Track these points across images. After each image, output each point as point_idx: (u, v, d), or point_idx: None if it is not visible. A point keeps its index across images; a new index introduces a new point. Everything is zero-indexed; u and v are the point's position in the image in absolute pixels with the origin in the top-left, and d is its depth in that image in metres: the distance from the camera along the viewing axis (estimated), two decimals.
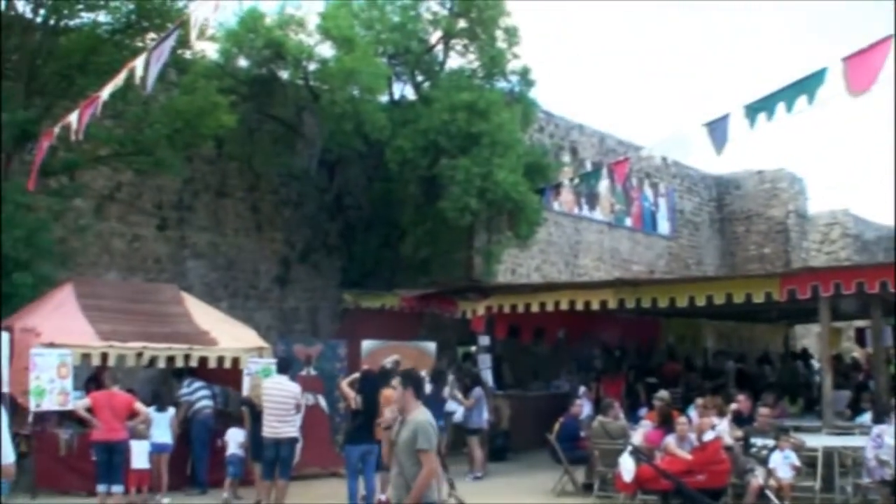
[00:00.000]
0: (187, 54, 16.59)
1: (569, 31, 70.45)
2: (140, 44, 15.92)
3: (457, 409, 16.81)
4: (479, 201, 18.71)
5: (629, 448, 12.83)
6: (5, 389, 13.03)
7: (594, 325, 20.78)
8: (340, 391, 13.98)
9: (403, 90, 21.68)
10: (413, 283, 20.75)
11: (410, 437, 7.03)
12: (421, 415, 7.16)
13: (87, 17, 16.07)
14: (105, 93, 10.05)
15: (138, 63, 9.06)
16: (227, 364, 14.55)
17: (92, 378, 14.71)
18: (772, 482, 12.31)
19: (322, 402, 15.73)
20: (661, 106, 68.78)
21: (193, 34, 8.37)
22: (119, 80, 9.73)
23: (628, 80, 68.72)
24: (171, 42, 8.87)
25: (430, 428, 7.00)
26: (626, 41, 71.01)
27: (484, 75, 21.26)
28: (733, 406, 14.49)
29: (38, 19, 15.87)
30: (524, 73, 21.68)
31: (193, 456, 14.28)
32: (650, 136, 61.86)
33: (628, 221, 29.93)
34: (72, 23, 16.07)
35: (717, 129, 12.07)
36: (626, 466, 12.59)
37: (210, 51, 18.40)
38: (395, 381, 9.76)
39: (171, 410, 13.73)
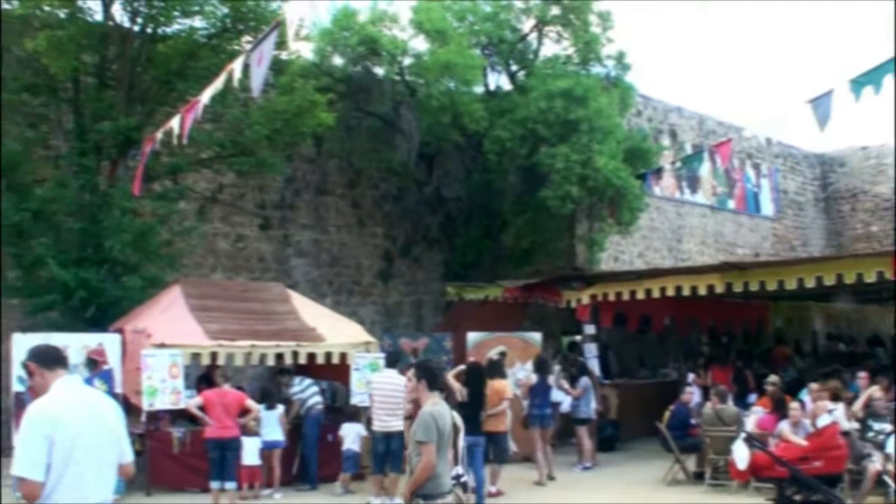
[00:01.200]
0: (283, 55, 16.72)
1: (662, 13, 69.40)
2: (236, 47, 16.16)
3: (564, 400, 16.66)
4: (580, 189, 18.50)
5: (743, 435, 12.52)
6: (119, 390, 13.35)
7: (700, 311, 20.38)
8: (446, 384, 13.97)
9: (499, 80, 21.60)
10: (515, 273, 20.65)
11: (414, 428, 7.02)
12: (428, 406, 7.11)
13: (183, 23, 16.32)
14: (205, 97, 10.17)
15: (236, 66, 9.14)
16: (335, 360, 14.61)
17: (203, 377, 14.99)
18: (889, 467, 11.89)
19: None
20: (761, 85, 67.24)
21: (290, 34, 8.38)
22: (219, 83, 9.83)
23: (726, 60, 67.33)
24: (270, 44, 8.90)
25: (429, 420, 6.93)
26: (721, 19, 69.60)
27: (579, 61, 21.03)
28: (873, 389, 13.78)
29: (136, 28, 16.16)
30: (620, 58, 21.39)
31: (304, 452, 14.40)
32: (750, 117, 60.44)
33: (731, 204, 29.36)
34: (169, 30, 16.34)
35: (821, 106, 11.73)
36: (741, 454, 12.28)
37: (305, 51, 18.58)
38: (410, 373, 9.74)
39: (280, 408, 13.86)
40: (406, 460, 7.43)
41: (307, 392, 14.57)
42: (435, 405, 7.12)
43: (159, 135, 12.65)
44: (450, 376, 13.32)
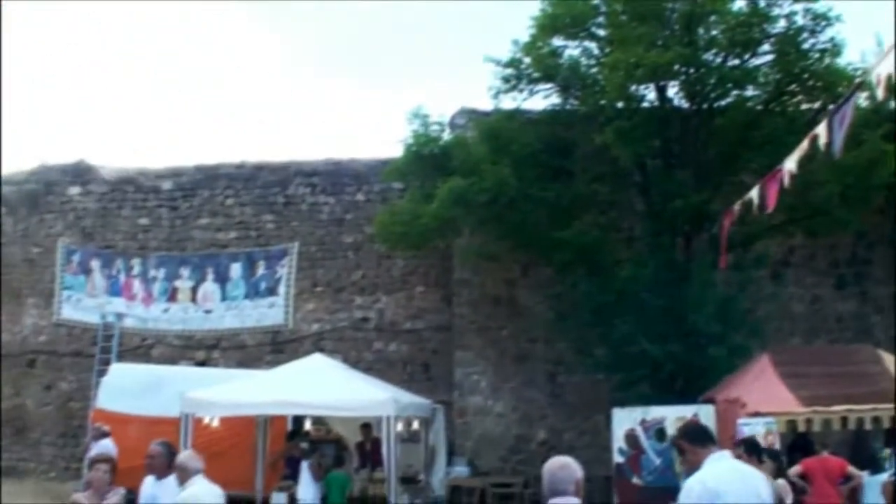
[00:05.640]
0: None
1: None
2: (790, 108, 16.15)
3: None
4: None
5: None
6: None
7: None
8: None
9: None
10: None
11: None
12: None
13: (736, 94, 16.58)
14: (790, 164, 10.22)
15: (820, 129, 9.11)
16: None
17: (795, 444, 14.71)
18: None
19: None
20: None
21: (880, 92, 8.20)
22: (803, 148, 9.85)
23: None
24: (852, 103, 8.79)
25: None
26: None
27: None
28: None
29: (693, 107, 16.72)
30: None
31: None
32: None
33: None
34: (723, 103, 16.68)
35: None
36: None
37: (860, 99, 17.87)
38: None
39: (885, 475, 13.19)
40: None
41: None
42: None
43: (737, 207, 12.89)
44: None
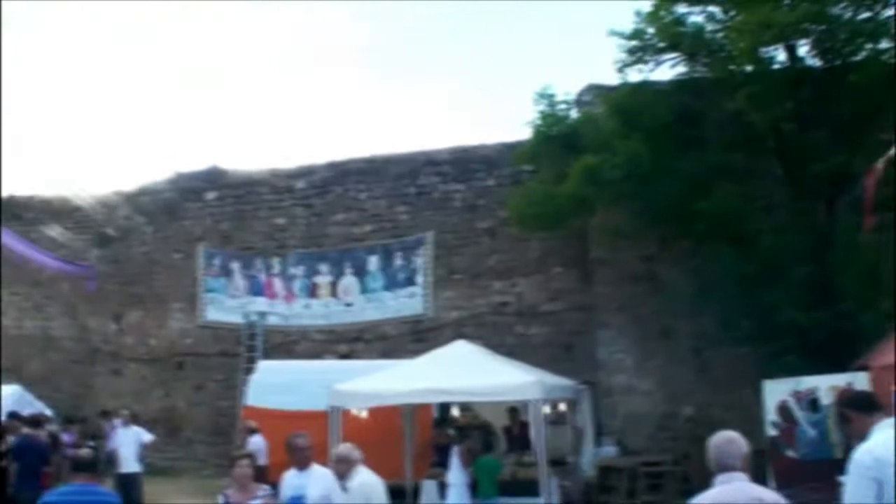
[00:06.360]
0: None
1: None
2: None
3: None
4: None
5: None
6: None
7: None
8: None
9: None
10: None
11: None
12: None
13: (869, 48, 15.97)
14: None
15: None
16: None
17: None
18: None
19: None
20: None
21: None
22: None
23: None
24: None
25: None
26: None
27: None
28: None
29: (825, 65, 16.17)
30: None
31: None
32: None
33: None
34: (857, 58, 16.07)
35: None
36: None
37: None
38: None
39: None
40: None
41: None
42: None
43: (879, 165, 12.44)
44: None
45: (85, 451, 7.67)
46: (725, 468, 4.99)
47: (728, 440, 5.07)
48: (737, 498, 4.90)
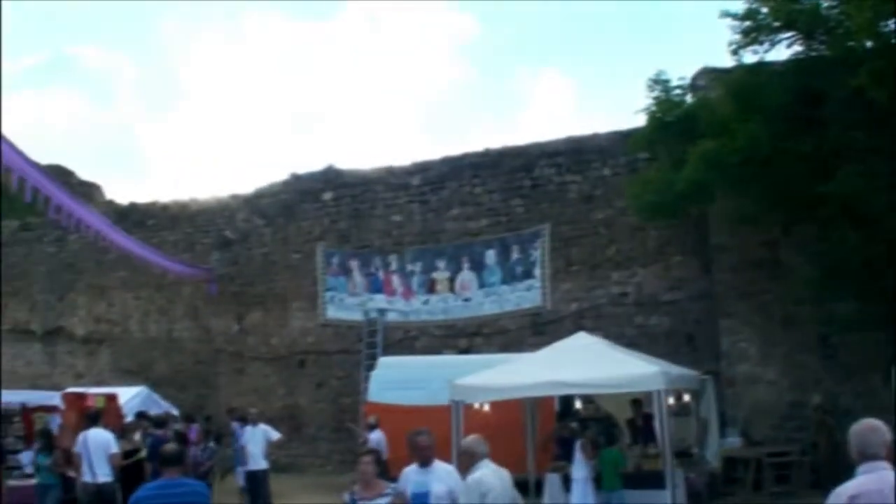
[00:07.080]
0: None
1: None
2: None
3: None
4: None
5: None
6: None
7: None
8: None
9: None
10: None
11: None
12: None
13: None
14: None
15: None
16: None
17: None
18: None
19: None
20: None
21: None
22: None
23: None
24: None
25: None
26: None
27: None
28: None
29: None
30: None
31: None
32: None
33: None
34: None
35: None
36: None
37: None
38: None
39: None
40: None
41: None
42: None
43: None
44: None
45: (170, 446, 7.93)
46: (868, 457, 4.82)
47: (871, 428, 4.90)
48: (881, 487, 4.73)
